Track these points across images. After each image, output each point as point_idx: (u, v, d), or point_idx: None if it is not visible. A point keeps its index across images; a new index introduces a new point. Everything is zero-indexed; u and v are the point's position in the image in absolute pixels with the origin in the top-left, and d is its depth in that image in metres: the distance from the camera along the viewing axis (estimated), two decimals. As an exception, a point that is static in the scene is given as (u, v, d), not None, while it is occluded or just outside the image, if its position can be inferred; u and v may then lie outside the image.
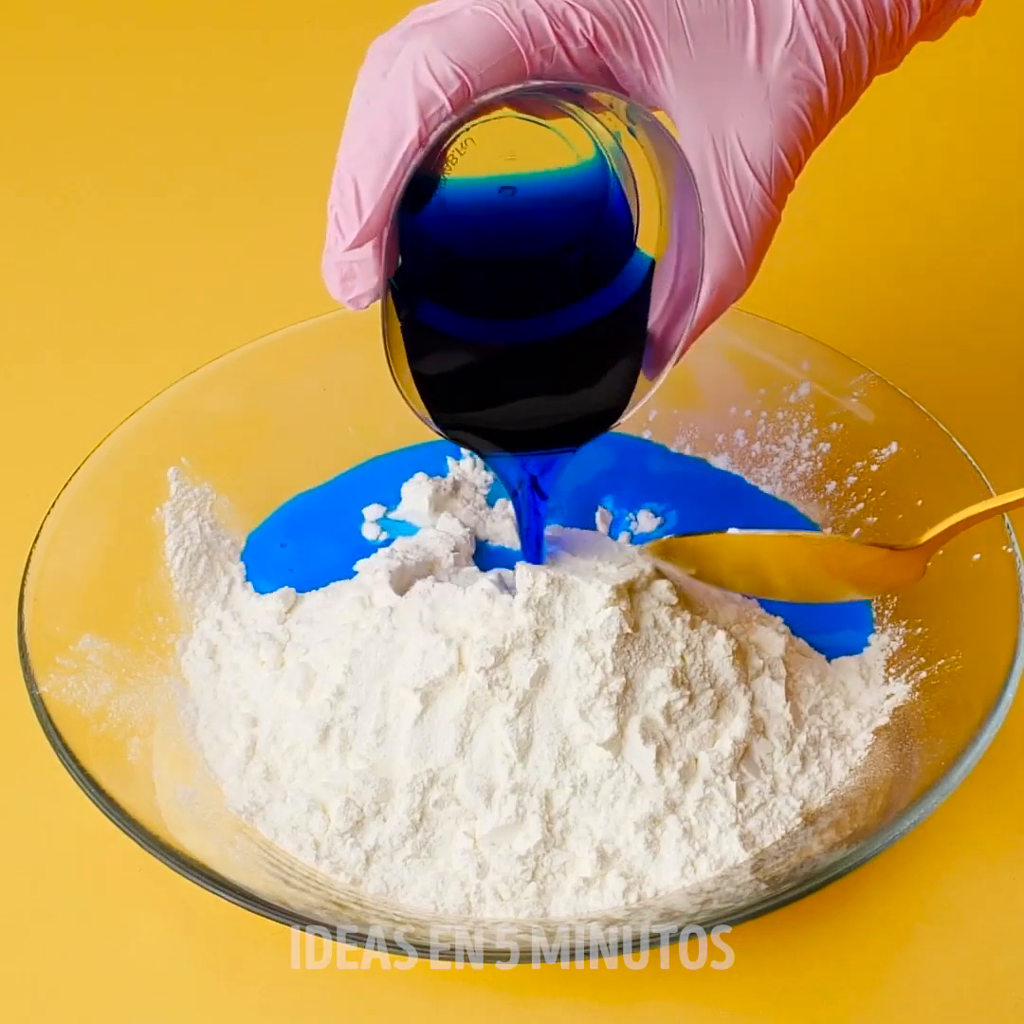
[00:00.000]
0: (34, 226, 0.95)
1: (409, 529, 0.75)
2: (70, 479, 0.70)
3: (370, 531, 0.76)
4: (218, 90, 1.05)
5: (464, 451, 0.77)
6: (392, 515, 0.76)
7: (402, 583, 0.68)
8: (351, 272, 0.56)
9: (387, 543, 0.74)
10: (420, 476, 0.76)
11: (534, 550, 0.67)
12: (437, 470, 0.77)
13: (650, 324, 0.60)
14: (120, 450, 0.72)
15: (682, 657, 0.64)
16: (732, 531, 0.63)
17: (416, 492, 0.76)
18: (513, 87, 0.54)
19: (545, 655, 0.63)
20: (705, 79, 0.56)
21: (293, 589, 0.71)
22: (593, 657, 0.63)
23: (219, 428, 0.75)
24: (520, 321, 0.61)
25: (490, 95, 0.54)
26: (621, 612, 0.63)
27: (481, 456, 0.65)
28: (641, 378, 0.62)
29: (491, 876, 0.61)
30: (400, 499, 0.76)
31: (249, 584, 0.73)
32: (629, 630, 0.63)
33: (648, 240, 0.60)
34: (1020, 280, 0.89)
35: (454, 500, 0.76)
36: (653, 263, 0.60)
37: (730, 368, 0.77)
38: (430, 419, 0.61)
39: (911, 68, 0.99)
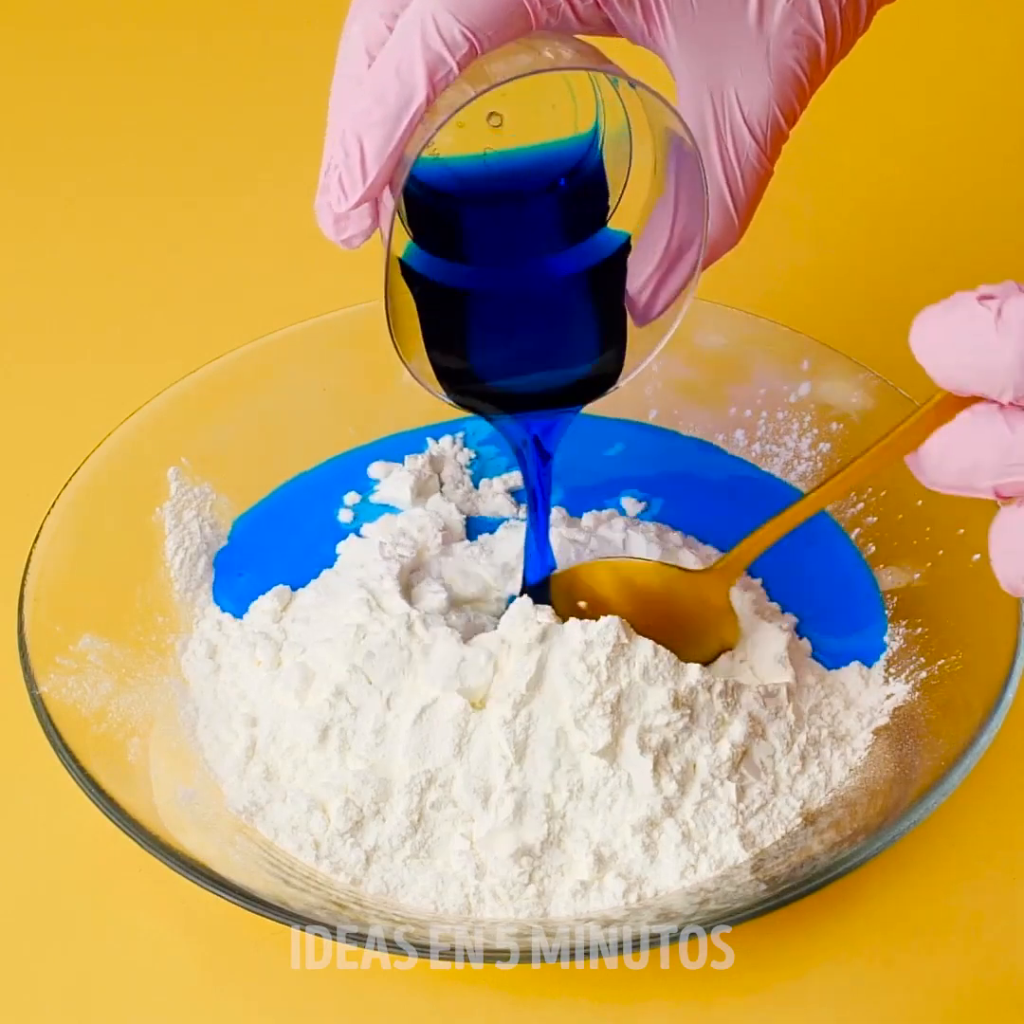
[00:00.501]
0: (34, 226, 0.95)
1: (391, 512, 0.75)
2: (70, 479, 0.70)
3: (346, 517, 0.75)
4: (219, 90, 1.05)
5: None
6: (373, 498, 0.76)
7: (404, 583, 0.68)
8: (344, 213, 0.56)
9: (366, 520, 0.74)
10: (385, 466, 0.76)
11: (540, 511, 0.67)
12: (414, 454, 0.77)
13: (644, 278, 0.61)
14: (120, 450, 0.72)
15: (690, 689, 0.64)
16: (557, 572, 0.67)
17: (396, 482, 0.76)
18: (524, 71, 0.54)
19: (543, 659, 0.63)
20: (706, 35, 0.56)
21: (288, 587, 0.71)
22: (589, 665, 0.62)
23: (219, 428, 0.75)
24: (502, 269, 0.62)
25: (500, 79, 0.53)
26: (620, 622, 0.63)
27: (487, 418, 0.66)
28: (641, 343, 0.62)
29: (489, 878, 0.61)
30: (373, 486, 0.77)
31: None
32: (625, 640, 0.63)
33: (640, 189, 0.60)
34: (1021, 281, 0.89)
35: (437, 483, 0.76)
36: (628, 239, 0.60)
37: (730, 368, 0.77)
38: (434, 384, 0.62)
39: (914, 68, 0.99)
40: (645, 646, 0.63)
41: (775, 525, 0.64)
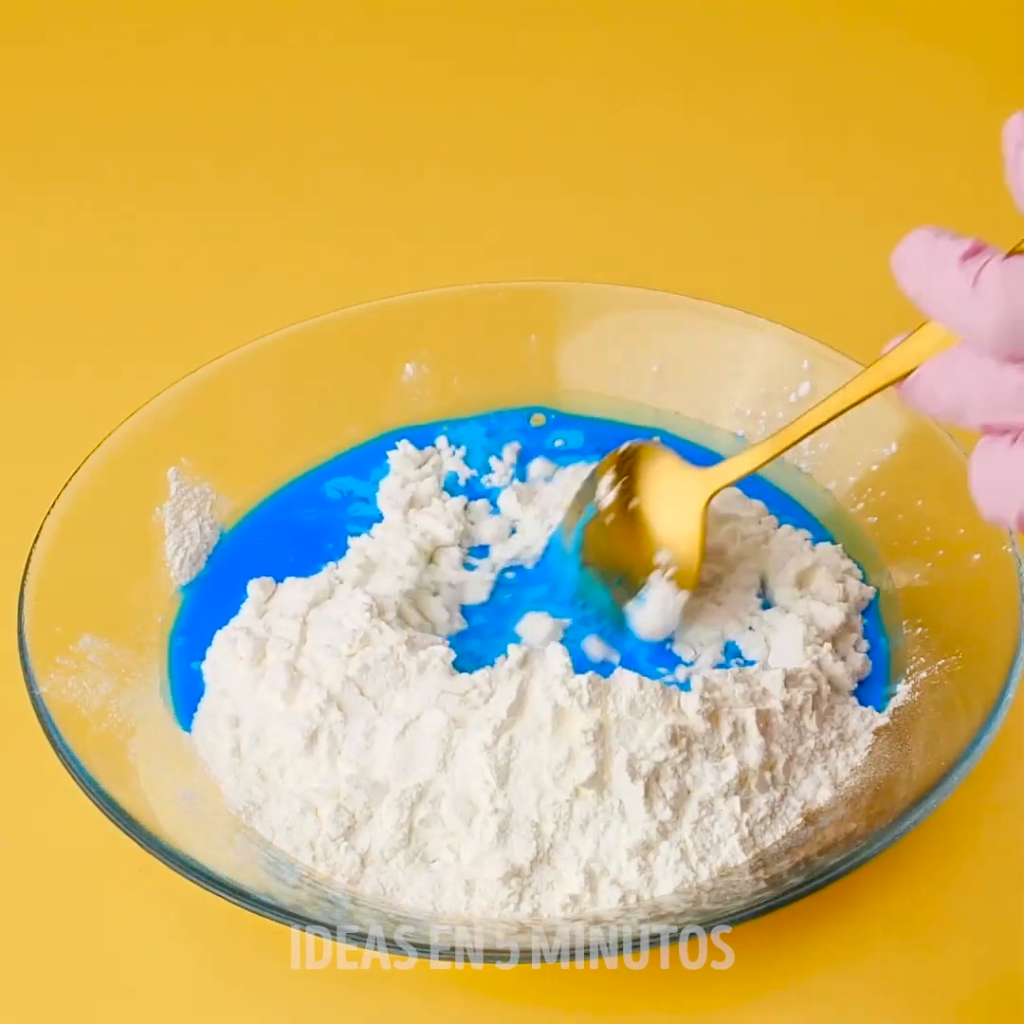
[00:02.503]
0: (35, 227, 0.95)
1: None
2: (70, 479, 0.70)
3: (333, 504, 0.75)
4: (220, 91, 1.05)
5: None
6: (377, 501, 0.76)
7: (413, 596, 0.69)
8: None
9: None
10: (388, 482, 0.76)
11: None
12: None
13: None
14: (120, 450, 0.72)
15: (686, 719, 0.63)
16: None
17: (390, 489, 0.75)
18: None
19: (524, 684, 0.63)
20: None
21: (271, 578, 0.71)
22: (570, 689, 0.62)
23: (219, 428, 0.75)
24: None
25: None
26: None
27: None
28: None
29: (478, 898, 0.61)
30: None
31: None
32: (613, 659, 0.62)
33: None
34: None
35: (431, 484, 0.75)
36: None
37: (730, 368, 0.77)
38: None
39: (918, 66, 0.99)
40: (629, 679, 0.62)
41: (772, 443, 0.64)
